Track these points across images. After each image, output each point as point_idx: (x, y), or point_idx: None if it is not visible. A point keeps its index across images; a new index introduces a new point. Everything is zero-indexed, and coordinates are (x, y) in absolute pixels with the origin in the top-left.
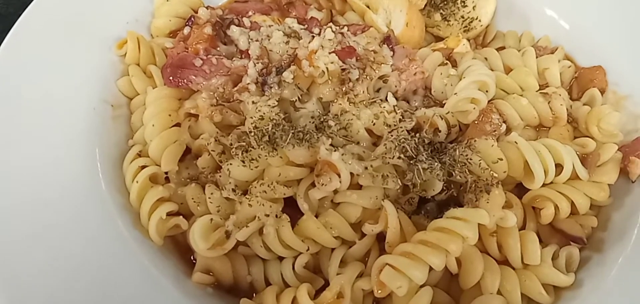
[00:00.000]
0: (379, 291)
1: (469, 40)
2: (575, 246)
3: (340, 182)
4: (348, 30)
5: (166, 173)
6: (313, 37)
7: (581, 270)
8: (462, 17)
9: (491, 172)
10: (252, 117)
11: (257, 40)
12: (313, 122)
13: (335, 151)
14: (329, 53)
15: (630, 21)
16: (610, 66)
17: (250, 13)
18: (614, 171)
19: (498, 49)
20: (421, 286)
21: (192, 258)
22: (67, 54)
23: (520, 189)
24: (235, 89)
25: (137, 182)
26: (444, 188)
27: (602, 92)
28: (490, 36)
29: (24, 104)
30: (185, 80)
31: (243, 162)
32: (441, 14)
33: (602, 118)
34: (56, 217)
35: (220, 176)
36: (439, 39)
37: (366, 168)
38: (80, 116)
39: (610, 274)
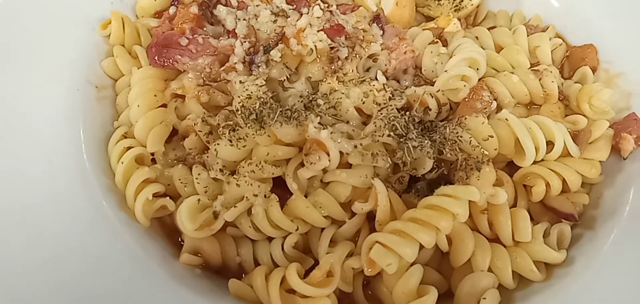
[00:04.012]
0: (369, 270)
1: (459, 19)
2: (566, 224)
3: (329, 161)
4: (337, 9)
5: (152, 154)
6: (301, 15)
7: (573, 247)
8: None
9: (482, 149)
10: (239, 96)
11: (244, 20)
12: (302, 102)
13: (324, 129)
14: (318, 31)
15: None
16: (601, 45)
17: None
18: (605, 148)
19: (489, 29)
20: (411, 264)
21: (179, 239)
22: (50, 35)
23: (511, 168)
24: (222, 68)
25: (122, 163)
26: (435, 166)
27: (594, 70)
28: (482, 16)
29: (7, 86)
30: (171, 60)
31: (230, 141)
32: None
33: (593, 95)
34: (39, 198)
35: (207, 157)
36: (429, 18)
37: (356, 146)
38: (64, 97)
39: (602, 251)
